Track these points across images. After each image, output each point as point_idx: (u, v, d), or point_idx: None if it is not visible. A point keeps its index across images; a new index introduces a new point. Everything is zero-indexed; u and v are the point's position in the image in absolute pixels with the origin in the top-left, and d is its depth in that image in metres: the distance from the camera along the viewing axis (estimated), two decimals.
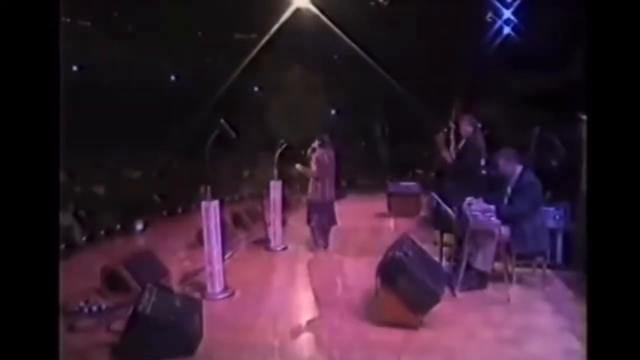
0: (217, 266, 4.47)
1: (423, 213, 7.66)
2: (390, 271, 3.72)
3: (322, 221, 5.88)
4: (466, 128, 5.24)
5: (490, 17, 10.48)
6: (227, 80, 11.40)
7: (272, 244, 5.97)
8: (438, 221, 5.40)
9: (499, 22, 10.44)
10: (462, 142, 5.52)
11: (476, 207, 4.54)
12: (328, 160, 5.80)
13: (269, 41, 10.72)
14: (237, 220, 6.79)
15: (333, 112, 13.70)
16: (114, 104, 11.86)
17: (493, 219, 4.30)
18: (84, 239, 6.30)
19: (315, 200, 5.81)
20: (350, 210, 8.22)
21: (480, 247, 4.40)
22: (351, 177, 10.97)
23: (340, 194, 9.19)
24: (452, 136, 6.84)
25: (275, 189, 5.98)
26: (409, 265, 3.65)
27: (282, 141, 6.06)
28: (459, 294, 4.36)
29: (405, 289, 3.64)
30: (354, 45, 10.54)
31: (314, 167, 5.70)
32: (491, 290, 4.47)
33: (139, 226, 6.84)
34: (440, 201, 4.75)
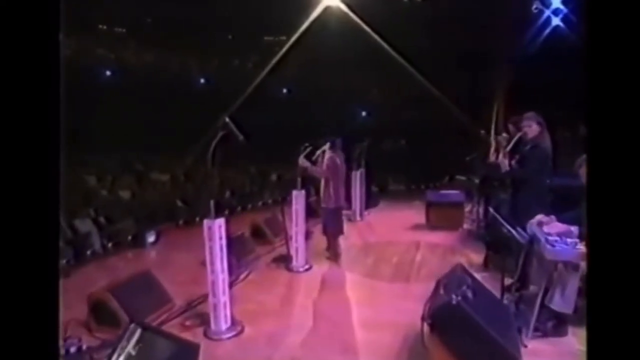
0: (223, 298, 3.46)
1: (466, 225, 6.46)
2: (445, 319, 2.60)
3: (337, 228, 5.21)
4: (532, 127, 4.01)
5: (537, 8, 9.11)
6: (254, 82, 10.62)
7: (294, 263, 4.93)
8: (495, 242, 4.24)
9: (547, 13, 9.07)
10: (512, 144, 4.32)
11: (551, 229, 3.36)
12: (339, 164, 5.21)
13: (297, 41, 9.84)
14: (256, 233, 5.80)
15: (364, 113, 12.71)
16: (144, 107, 11.33)
17: (579, 246, 3.11)
18: (89, 252, 5.47)
19: (329, 208, 5.10)
20: (383, 221, 7.13)
21: (558, 281, 3.21)
22: (383, 183, 9.80)
23: (371, 201, 8.10)
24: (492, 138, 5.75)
25: (298, 199, 4.92)
26: (471, 315, 2.52)
27: (306, 144, 5.04)
28: (529, 343, 3.20)
29: (466, 346, 2.54)
30: (385, 45, 9.48)
31: (323, 168, 5.06)
32: (571, 337, 3.28)
33: (151, 238, 5.95)
34: (502, 220, 3.58)
